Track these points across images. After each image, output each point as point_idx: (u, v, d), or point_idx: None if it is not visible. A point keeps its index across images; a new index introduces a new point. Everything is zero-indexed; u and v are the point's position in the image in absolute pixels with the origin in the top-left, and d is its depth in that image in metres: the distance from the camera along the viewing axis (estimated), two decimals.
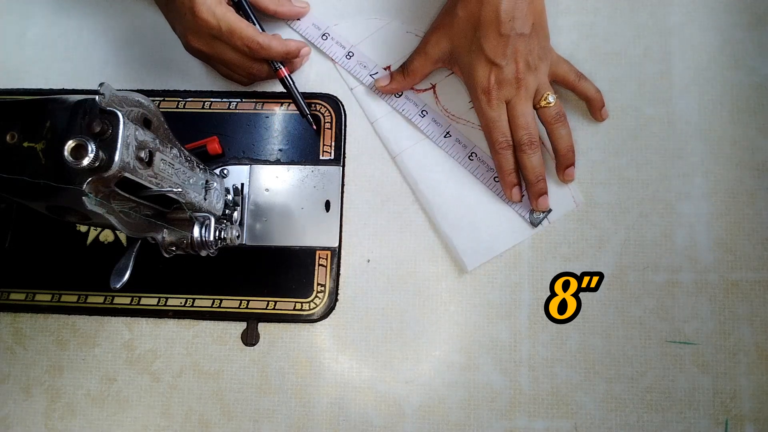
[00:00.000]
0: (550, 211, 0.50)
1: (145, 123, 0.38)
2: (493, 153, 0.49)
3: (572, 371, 0.47)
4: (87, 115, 0.33)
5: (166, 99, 0.53)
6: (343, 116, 0.52)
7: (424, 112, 0.52)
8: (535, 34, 0.47)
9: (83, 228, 0.51)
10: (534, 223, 0.50)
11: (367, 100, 0.53)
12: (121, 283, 0.41)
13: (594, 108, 0.51)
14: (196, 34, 0.47)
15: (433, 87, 0.53)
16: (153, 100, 0.39)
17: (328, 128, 0.52)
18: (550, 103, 0.49)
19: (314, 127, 0.51)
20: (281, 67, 0.50)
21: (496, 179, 0.50)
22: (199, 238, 0.43)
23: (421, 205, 0.51)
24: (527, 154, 0.48)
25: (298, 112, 0.51)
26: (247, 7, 0.49)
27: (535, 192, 0.49)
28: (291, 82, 0.51)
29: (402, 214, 0.51)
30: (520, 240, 0.50)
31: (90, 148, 0.31)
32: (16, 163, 0.34)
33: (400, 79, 0.51)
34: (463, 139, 0.51)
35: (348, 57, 0.53)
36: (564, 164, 0.50)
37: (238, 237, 0.47)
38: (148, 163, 0.36)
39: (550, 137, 0.50)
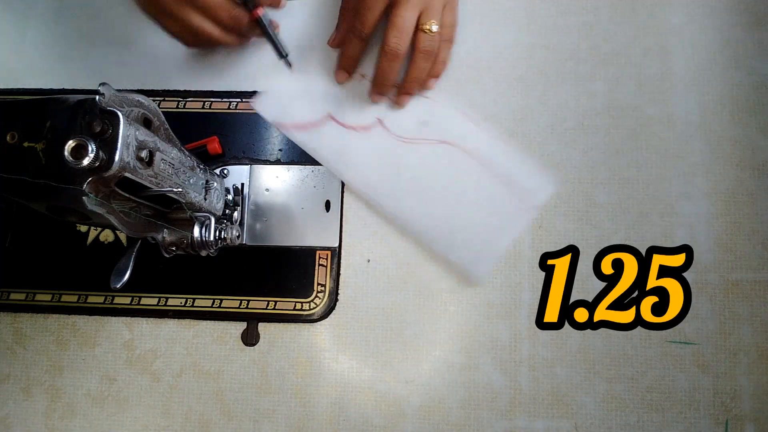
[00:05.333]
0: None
1: (145, 123, 0.38)
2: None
3: (572, 371, 0.47)
4: (87, 115, 0.33)
5: (166, 99, 0.53)
6: None
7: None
8: None
9: (83, 228, 0.51)
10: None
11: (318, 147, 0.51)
12: (121, 283, 0.41)
13: (429, 73, 0.50)
14: None
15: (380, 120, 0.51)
16: (153, 100, 0.39)
17: None
18: (432, 30, 0.47)
19: (290, 68, 0.51)
20: (256, 5, 0.47)
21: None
22: (199, 238, 0.43)
23: (411, 236, 0.50)
24: (388, 61, 0.47)
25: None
26: None
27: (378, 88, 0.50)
28: (266, 23, 0.49)
29: None
30: (519, 230, 0.49)
31: (90, 148, 0.31)
32: (16, 163, 0.34)
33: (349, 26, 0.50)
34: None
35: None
36: (403, 90, 0.50)
37: (238, 237, 0.47)
38: (148, 163, 0.36)
39: (410, 62, 0.48)
